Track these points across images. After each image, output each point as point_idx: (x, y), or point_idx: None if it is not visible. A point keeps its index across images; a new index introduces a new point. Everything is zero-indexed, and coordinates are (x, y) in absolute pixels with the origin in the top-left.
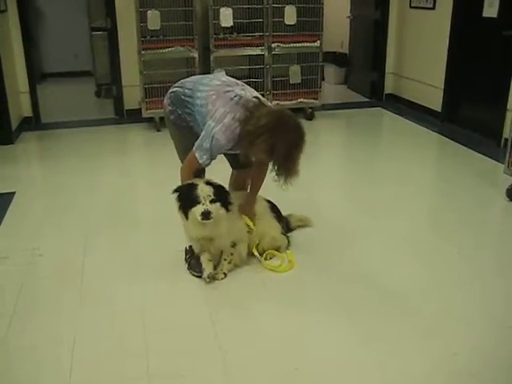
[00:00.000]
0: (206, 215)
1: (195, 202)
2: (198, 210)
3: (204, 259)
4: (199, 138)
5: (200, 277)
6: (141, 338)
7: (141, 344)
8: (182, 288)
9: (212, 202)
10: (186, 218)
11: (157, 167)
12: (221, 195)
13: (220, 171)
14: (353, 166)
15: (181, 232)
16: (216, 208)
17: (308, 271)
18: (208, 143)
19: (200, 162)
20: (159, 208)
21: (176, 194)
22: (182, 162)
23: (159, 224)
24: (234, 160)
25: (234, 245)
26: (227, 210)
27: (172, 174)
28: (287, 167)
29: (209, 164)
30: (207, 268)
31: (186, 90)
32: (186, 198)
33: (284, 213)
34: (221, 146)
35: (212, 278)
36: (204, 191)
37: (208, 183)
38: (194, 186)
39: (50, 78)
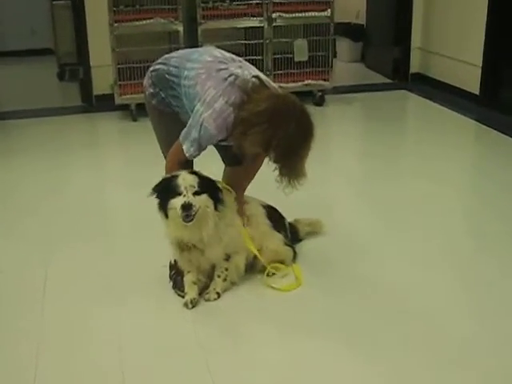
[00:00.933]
0: (187, 208)
1: (175, 193)
2: (177, 202)
3: (187, 280)
4: (186, 126)
5: (183, 297)
6: (118, 370)
7: (118, 378)
8: (167, 310)
9: (196, 194)
10: (166, 216)
11: (133, 165)
12: (208, 187)
13: (212, 166)
14: (372, 162)
15: (165, 243)
16: (201, 201)
17: (316, 289)
18: (196, 132)
19: (187, 154)
20: (138, 214)
21: (155, 191)
22: (165, 157)
23: (138, 233)
24: (227, 154)
25: (228, 258)
26: (216, 206)
27: (152, 172)
28: (290, 166)
29: (197, 155)
30: (190, 292)
31: (171, 68)
32: (166, 191)
33: (290, 218)
34: (211, 136)
35: (192, 305)
36: (186, 180)
37: (192, 172)
38: (174, 177)
39: (0, 57)
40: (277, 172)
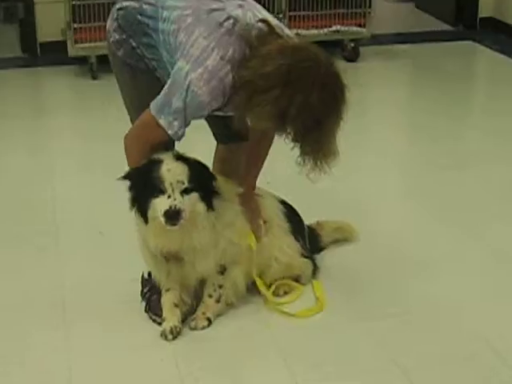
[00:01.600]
0: (173, 216)
1: (157, 190)
2: (159, 205)
3: (167, 301)
4: (163, 92)
5: (161, 324)
6: None
7: None
8: (137, 343)
9: (185, 192)
10: (145, 220)
11: (92, 140)
12: (200, 180)
13: (198, 143)
14: (426, 140)
15: (136, 248)
16: (191, 202)
17: (342, 315)
18: (180, 100)
19: (170, 132)
20: (96, 208)
21: (127, 181)
22: None
23: (97, 235)
24: (221, 127)
25: (223, 270)
26: (210, 206)
27: (119, 152)
28: (315, 144)
29: (182, 135)
30: (169, 317)
31: (145, 6)
32: (143, 184)
33: (310, 220)
34: (201, 106)
35: (173, 335)
36: (172, 173)
37: (179, 158)
38: (156, 164)
39: None
40: (296, 150)
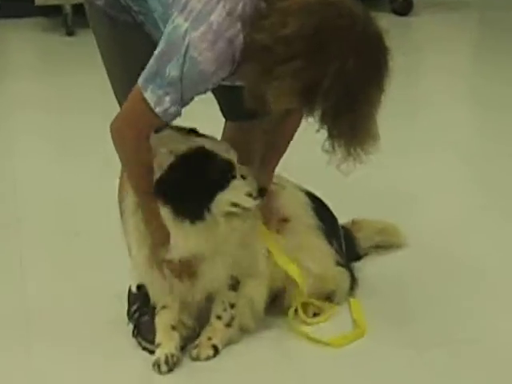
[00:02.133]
0: (262, 192)
1: (226, 177)
2: (240, 189)
3: (161, 324)
4: (154, 57)
5: (153, 352)
6: None
7: None
8: (122, 374)
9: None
10: (197, 218)
11: (64, 112)
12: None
13: (199, 118)
14: (490, 116)
15: (122, 254)
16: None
17: (385, 341)
18: (176, 68)
19: (157, 109)
20: (71, 199)
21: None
22: (121, 105)
23: (71, 234)
24: (228, 100)
25: (235, 284)
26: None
27: (97, 125)
28: (350, 125)
29: (175, 116)
30: (164, 344)
31: None
32: (199, 178)
33: (344, 218)
34: (203, 76)
35: (168, 366)
36: (231, 154)
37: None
38: (207, 152)
39: None
40: (324, 133)
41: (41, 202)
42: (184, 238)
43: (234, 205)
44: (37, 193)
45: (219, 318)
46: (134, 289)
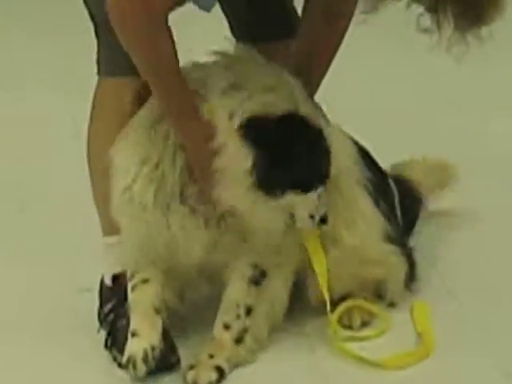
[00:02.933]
0: (324, 220)
1: (316, 184)
2: (309, 205)
3: (141, 304)
4: None
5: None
6: None
7: None
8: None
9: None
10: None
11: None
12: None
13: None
14: None
15: (87, 234)
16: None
17: (463, 363)
18: None
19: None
20: (16, 162)
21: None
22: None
23: (14, 211)
24: (245, 15)
25: (260, 276)
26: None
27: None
28: None
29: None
30: (143, 333)
31: None
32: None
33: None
34: None
35: (147, 367)
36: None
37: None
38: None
39: None
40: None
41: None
42: (246, 202)
43: (292, 215)
44: None
45: (227, 327)
46: (108, 280)
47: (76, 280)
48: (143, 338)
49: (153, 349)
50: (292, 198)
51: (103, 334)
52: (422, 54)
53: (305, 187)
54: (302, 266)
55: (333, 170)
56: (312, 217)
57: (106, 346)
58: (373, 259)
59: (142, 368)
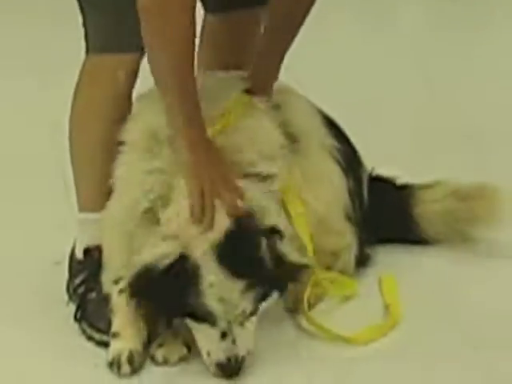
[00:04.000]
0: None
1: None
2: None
3: (123, 303)
4: None
5: (106, 345)
6: None
7: None
8: (64, 375)
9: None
10: None
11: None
12: None
13: None
14: None
15: (48, 202)
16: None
17: (432, 337)
18: None
19: None
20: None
21: None
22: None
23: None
24: None
25: None
26: None
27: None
28: None
29: None
30: (126, 335)
31: None
32: None
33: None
34: None
35: (132, 367)
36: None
37: None
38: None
39: None
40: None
41: None
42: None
43: None
44: None
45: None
46: (79, 253)
47: (46, 253)
48: (126, 340)
49: (137, 353)
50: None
51: (73, 306)
52: None
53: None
54: None
55: (297, 133)
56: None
57: (75, 318)
58: (333, 230)
59: (126, 369)
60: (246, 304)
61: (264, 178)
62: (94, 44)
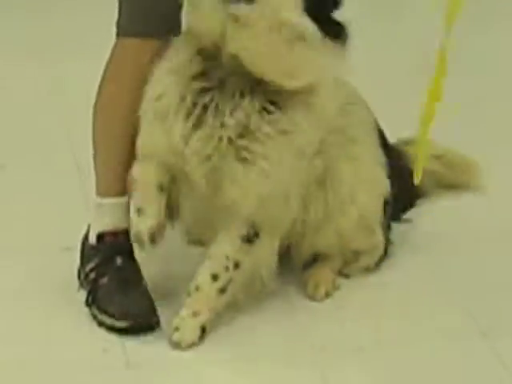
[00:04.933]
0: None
1: None
2: None
3: (147, 181)
4: None
5: (119, 329)
6: None
7: None
8: (72, 356)
9: None
10: None
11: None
12: None
13: None
14: None
15: (62, 193)
16: None
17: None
18: None
19: None
20: (7, 138)
21: None
22: None
23: (8, 176)
24: None
25: (253, 236)
26: None
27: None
28: None
29: None
30: (149, 211)
31: None
32: None
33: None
34: None
35: (152, 239)
36: None
37: None
38: None
39: None
40: None
41: None
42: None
43: None
44: None
45: (215, 278)
46: (92, 238)
47: (57, 239)
48: (148, 216)
49: (159, 227)
50: None
51: (84, 292)
52: None
53: None
54: (288, 235)
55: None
56: None
57: (86, 303)
58: (369, 228)
59: (148, 245)
60: None
61: None
62: (127, 27)
